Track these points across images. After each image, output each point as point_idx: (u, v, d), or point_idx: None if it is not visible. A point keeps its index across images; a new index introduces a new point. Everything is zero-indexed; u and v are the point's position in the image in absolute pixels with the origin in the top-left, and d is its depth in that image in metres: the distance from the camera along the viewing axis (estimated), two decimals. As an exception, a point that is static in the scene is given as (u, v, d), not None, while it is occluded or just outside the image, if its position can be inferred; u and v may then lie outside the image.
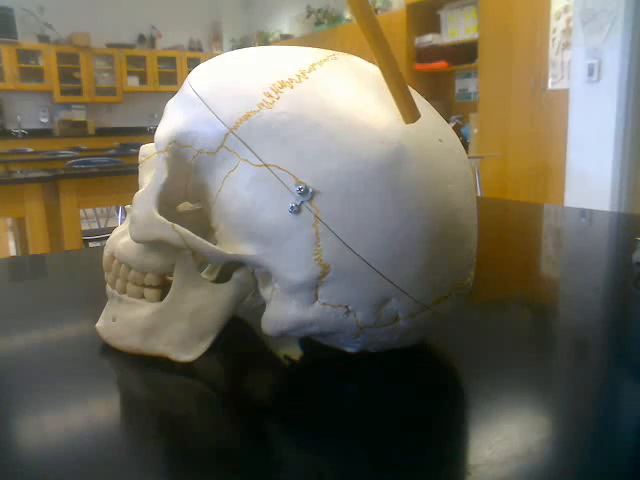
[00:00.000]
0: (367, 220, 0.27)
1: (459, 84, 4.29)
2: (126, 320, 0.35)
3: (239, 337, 0.37)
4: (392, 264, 0.28)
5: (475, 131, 3.95)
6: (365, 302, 0.29)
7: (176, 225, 0.31)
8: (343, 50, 0.35)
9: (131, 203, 0.34)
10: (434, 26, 4.16)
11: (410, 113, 0.27)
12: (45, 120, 6.67)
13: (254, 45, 7.46)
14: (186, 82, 0.33)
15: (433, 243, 0.29)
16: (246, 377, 0.32)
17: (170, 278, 0.34)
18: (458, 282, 0.31)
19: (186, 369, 0.33)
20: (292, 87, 0.29)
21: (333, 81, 0.30)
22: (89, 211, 3.72)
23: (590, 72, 2.90)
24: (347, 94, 0.29)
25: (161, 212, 0.32)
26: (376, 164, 0.27)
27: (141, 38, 7.22)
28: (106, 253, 0.36)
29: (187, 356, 0.33)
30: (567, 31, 3.24)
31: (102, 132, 6.82)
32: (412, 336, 0.32)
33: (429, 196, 0.28)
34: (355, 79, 0.30)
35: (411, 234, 0.28)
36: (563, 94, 3.21)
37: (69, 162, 3.31)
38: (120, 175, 2.64)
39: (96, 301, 0.47)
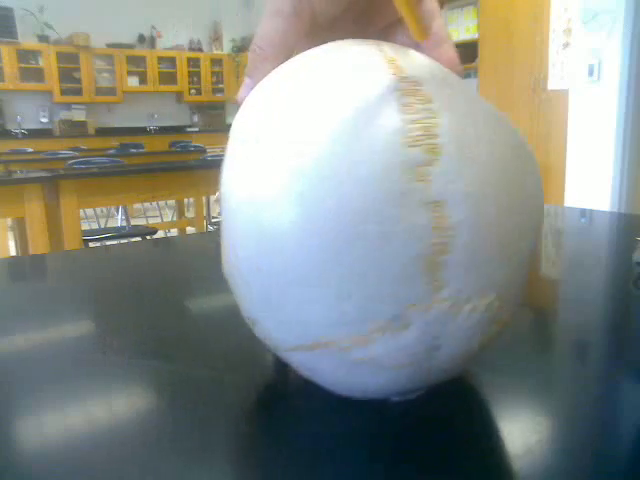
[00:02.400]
0: None
1: (459, 84, 4.28)
2: None
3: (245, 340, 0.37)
4: None
5: (475, 131, 3.94)
6: None
7: None
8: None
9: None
10: (434, 26, 4.16)
11: (422, 29, 0.25)
12: (45, 120, 6.68)
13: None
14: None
15: None
16: (246, 378, 0.32)
17: None
18: None
19: (185, 370, 0.33)
20: None
21: None
22: (89, 211, 3.72)
23: (590, 72, 2.90)
24: None
25: None
26: None
27: (141, 38, 7.22)
28: None
29: None
30: (567, 31, 3.24)
31: (102, 132, 6.83)
32: None
33: None
34: None
35: None
36: (563, 94, 3.22)
37: (69, 162, 3.31)
38: (120, 175, 2.64)
39: (96, 301, 0.47)
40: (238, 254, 0.24)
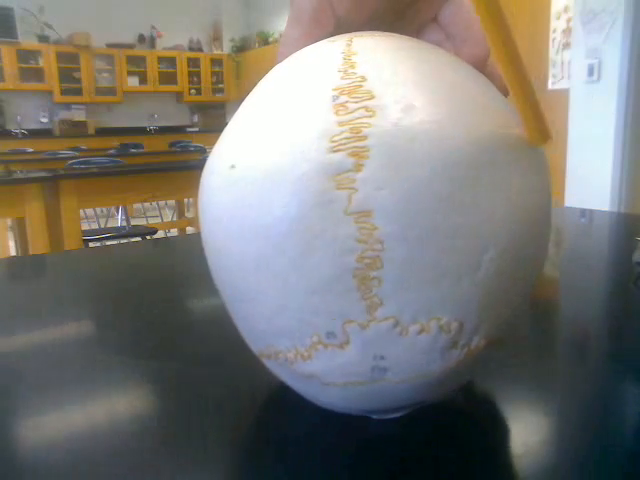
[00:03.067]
0: None
1: (459, 84, 4.28)
2: None
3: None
4: None
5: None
6: None
7: None
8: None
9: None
10: (434, 26, 4.16)
11: (543, 132, 0.21)
12: (45, 120, 6.68)
13: (254, 45, 7.46)
14: None
15: None
16: (247, 378, 0.32)
17: None
18: None
19: (186, 370, 0.33)
20: None
21: None
22: (89, 211, 3.72)
23: (590, 72, 2.90)
24: None
25: None
26: None
27: (141, 38, 7.22)
28: None
29: None
30: (567, 31, 3.24)
31: (102, 132, 6.83)
32: None
33: None
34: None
35: None
36: (563, 94, 3.21)
37: (69, 162, 3.31)
38: (120, 175, 2.64)
39: (96, 301, 0.47)
40: (208, 263, 0.25)
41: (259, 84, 0.25)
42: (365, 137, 0.20)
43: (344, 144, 0.20)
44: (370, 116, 0.20)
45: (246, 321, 0.24)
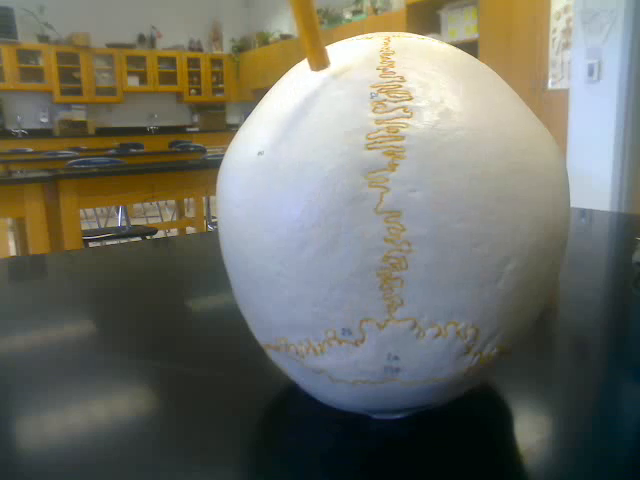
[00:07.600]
0: None
1: (459, 84, 4.28)
2: None
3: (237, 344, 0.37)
4: None
5: (475, 131, 3.94)
6: None
7: None
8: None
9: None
10: (434, 26, 4.16)
11: (318, 60, 0.22)
12: (45, 120, 6.68)
13: (254, 45, 7.46)
14: None
15: None
16: (247, 378, 0.32)
17: None
18: None
19: (186, 370, 0.32)
20: None
21: None
22: (89, 211, 3.72)
23: (590, 72, 2.90)
24: None
25: None
26: None
27: (141, 38, 7.23)
28: None
29: None
30: (567, 31, 3.24)
31: (102, 132, 6.83)
32: None
33: None
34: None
35: None
36: (563, 94, 3.21)
37: (69, 162, 3.31)
38: (120, 175, 2.64)
39: (96, 301, 0.47)
40: (222, 249, 0.25)
41: (291, 71, 0.25)
42: (402, 137, 0.20)
43: (380, 142, 0.20)
44: (408, 117, 0.20)
45: (257, 311, 0.23)
